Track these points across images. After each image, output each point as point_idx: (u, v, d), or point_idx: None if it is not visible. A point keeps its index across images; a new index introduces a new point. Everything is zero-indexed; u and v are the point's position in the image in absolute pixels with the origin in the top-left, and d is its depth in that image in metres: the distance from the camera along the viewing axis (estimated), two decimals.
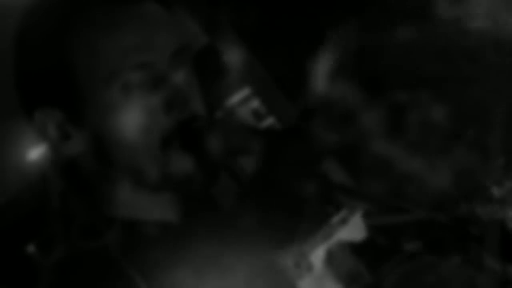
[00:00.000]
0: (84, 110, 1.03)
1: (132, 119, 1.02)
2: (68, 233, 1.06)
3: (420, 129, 1.29)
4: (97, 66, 1.03)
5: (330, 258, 1.29)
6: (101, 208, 1.06)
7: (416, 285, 1.31)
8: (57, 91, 1.04)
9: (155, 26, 1.04)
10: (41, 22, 1.06)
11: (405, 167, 1.27)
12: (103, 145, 1.03)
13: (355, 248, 1.31)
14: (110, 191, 1.05)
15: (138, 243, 1.03)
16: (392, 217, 1.22)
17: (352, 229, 1.30)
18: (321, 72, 1.34)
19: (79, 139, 1.04)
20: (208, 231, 1.09)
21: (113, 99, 1.02)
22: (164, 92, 1.02)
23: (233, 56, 1.38)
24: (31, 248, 1.34)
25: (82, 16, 1.03)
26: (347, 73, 1.32)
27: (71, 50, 1.04)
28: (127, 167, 1.03)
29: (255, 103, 1.44)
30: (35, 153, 1.39)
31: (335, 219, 1.28)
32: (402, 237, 1.21)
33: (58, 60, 1.04)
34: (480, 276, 1.19)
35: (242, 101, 1.44)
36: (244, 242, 1.21)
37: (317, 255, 1.27)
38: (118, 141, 1.02)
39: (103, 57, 1.02)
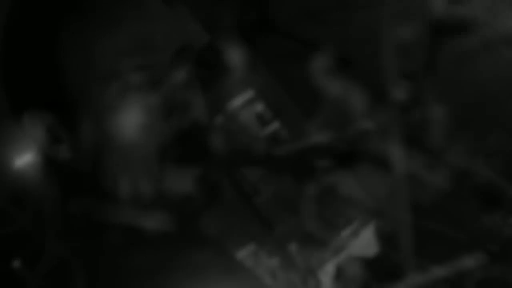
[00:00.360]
0: (76, 113, 1.00)
1: (129, 123, 0.97)
2: (59, 240, 1.04)
3: (420, 128, 1.26)
4: (92, 67, 1.00)
5: (340, 275, 1.24)
6: (96, 214, 1.04)
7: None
8: (47, 92, 1.02)
9: (156, 24, 0.99)
10: (30, 18, 1.01)
11: (404, 167, 1.24)
12: (96, 151, 0.99)
13: (366, 264, 1.27)
14: (104, 199, 1.01)
15: (134, 249, 0.99)
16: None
17: (364, 243, 1.25)
18: (321, 71, 1.30)
19: (71, 143, 1.00)
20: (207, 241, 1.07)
21: (109, 102, 0.98)
22: (164, 95, 0.98)
23: (236, 56, 1.33)
24: (16, 263, 1.29)
25: (76, 12, 0.98)
26: (346, 72, 1.29)
27: (63, 48, 1.01)
28: (119, 178, 0.99)
29: (259, 107, 1.38)
30: (23, 160, 1.34)
31: (345, 232, 1.24)
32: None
33: (48, 59, 1.01)
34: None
35: (245, 104, 1.38)
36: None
37: (326, 272, 1.23)
38: (112, 148, 1.00)
39: (99, 57, 1.00)
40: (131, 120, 0.98)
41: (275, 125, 1.41)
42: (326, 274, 1.25)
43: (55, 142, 1.02)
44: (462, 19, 1.29)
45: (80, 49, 0.98)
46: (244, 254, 1.39)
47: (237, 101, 1.41)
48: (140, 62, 0.97)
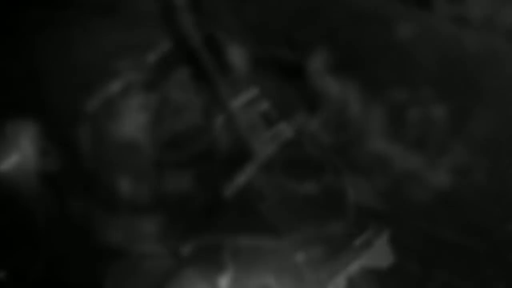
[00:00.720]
0: (59, 123, 0.99)
1: (116, 134, 0.95)
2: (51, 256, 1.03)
3: (419, 127, 1.25)
4: (72, 75, 0.94)
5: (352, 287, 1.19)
6: (90, 235, 1.03)
7: None
8: (27, 101, 0.97)
9: (143, 24, 0.96)
10: (7, 24, 0.99)
11: (404, 165, 1.25)
12: (82, 163, 0.96)
13: (381, 276, 1.22)
14: (96, 215, 0.98)
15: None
16: None
17: (378, 253, 1.20)
18: (320, 70, 1.28)
19: (57, 155, 0.95)
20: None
21: (93, 112, 0.95)
22: (154, 100, 0.95)
23: (239, 51, 1.28)
24: (2, 274, 1.24)
25: (51, 18, 0.95)
26: (345, 70, 1.27)
27: (40, 56, 0.95)
28: (110, 188, 0.97)
29: (265, 105, 1.32)
30: (8, 163, 1.30)
31: (358, 241, 1.18)
32: None
33: (25, 66, 0.96)
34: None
35: (249, 102, 1.32)
36: None
37: (337, 284, 1.16)
38: (98, 159, 0.96)
39: (79, 65, 0.94)
40: (118, 130, 0.95)
41: (281, 125, 1.35)
42: (337, 287, 1.18)
43: (41, 153, 1.00)
44: None
45: (58, 57, 0.96)
46: None
47: (241, 99, 1.36)
48: (125, 67, 0.94)
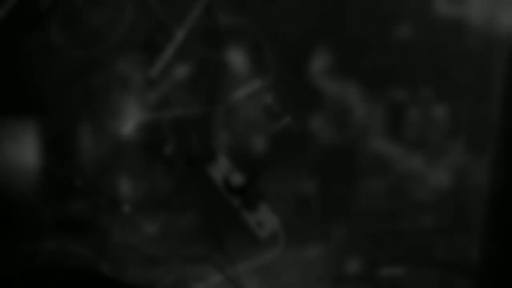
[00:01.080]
0: (44, 117, 0.98)
1: (101, 126, 0.93)
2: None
3: (419, 127, 1.25)
4: (55, 66, 0.98)
5: None
6: (90, 231, 1.06)
7: None
8: (14, 96, 1.00)
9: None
10: None
11: (404, 166, 1.26)
12: (67, 159, 0.94)
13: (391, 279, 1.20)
14: (91, 214, 1.02)
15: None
16: None
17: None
18: (319, 69, 1.26)
19: (43, 151, 0.99)
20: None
21: (76, 104, 0.94)
22: (154, 98, 0.95)
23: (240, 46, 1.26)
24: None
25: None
26: (345, 70, 1.26)
27: (26, 49, 0.98)
28: (118, 177, 0.97)
29: (269, 98, 1.28)
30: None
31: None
32: None
33: (10, 61, 0.95)
34: None
35: (252, 94, 1.28)
36: None
37: None
38: (85, 154, 0.93)
39: (62, 57, 0.98)
40: (104, 122, 0.94)
41: (286, 120, 1.31)
42: None
43: (40, 151, 1.02)
44: None
45: (43, 49, 0.94)
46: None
47: (243, 91, 1.33)
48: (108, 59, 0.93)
